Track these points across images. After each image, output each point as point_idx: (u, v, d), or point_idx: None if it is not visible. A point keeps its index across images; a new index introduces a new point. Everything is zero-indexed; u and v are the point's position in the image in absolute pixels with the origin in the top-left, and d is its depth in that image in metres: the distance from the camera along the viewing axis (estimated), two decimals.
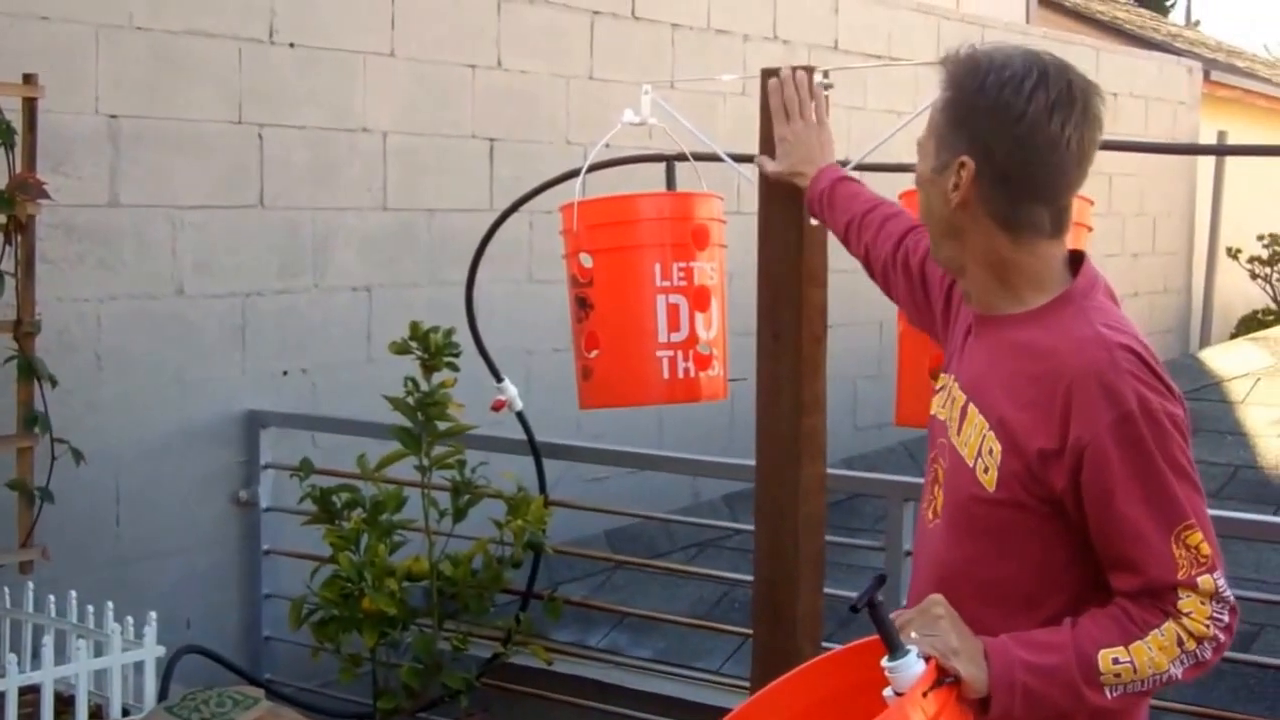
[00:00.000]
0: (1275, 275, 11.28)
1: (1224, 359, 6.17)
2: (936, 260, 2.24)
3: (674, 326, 3.28)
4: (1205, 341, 9.95)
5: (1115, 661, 1.90)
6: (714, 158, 3.44)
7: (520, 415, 4.15)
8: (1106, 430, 1.91)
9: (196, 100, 4.60)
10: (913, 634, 1.91)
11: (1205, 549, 1.92)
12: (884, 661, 1.87)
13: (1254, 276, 11.24)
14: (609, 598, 4.64)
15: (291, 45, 4.83)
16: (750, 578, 3.32)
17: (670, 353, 3.28)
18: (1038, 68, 2.01)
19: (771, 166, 2.92)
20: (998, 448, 2.01)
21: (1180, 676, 1.92)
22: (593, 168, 3.43)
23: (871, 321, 6.06)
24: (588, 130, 5.60)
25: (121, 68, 4.40)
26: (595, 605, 4.51)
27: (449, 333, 3.98)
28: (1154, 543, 1.91)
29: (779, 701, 2.02)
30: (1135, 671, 1.90)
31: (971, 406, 2.08)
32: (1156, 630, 1.91)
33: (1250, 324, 10.39)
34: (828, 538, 3.19)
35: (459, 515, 4.02)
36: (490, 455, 4.15)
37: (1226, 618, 1.92)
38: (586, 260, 3.34)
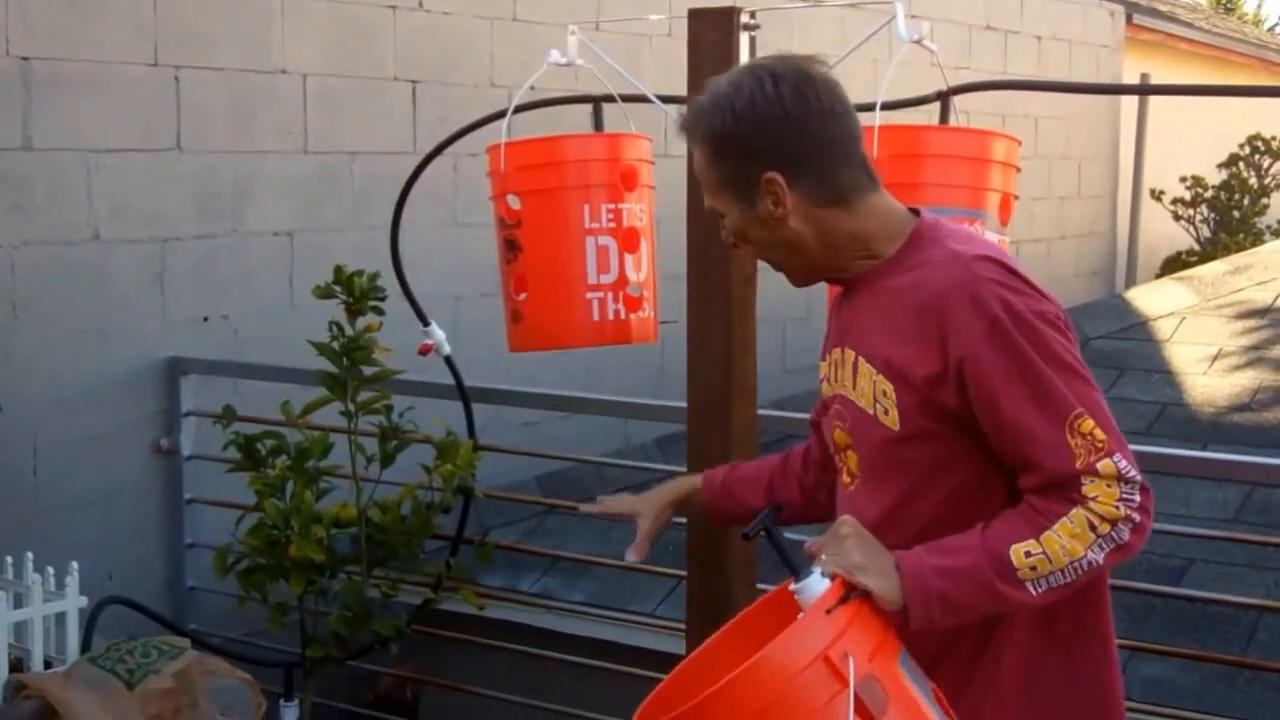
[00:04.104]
0: (1198, 217, 11.40)
1: (1150, 299, 6.23)
2: (797, 285, 2.27)
3: (603, 268, 3.25)
4: (1131, 283, 10.05)
5: (1028, 555, 1.93)
6: (642, 99, 3.40)
7: (448, 359, 4.09)
8: (979, 341, 1.97)
9: (110, 42, 4.49)
10: (822, 556, 1.94)
11: (1100, 435, 1.95)
12: (790, 585, 1.89)
13: (1177, 218, 11.35)
14: (541, 542, 4.63)
15: None
16: (683, 520, 3.31)
17: (600, 294, 3.25)
18: (760, 71, 2.14)
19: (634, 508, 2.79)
20: (889, 388, 2.07)
21: (1102, 562, 1.95)
22: (519, 109, 3.38)
23: None
24: (513, 73, 5.53)
25: (33, 9, 4.27)
26: (527, 549, 4.49)
27: (374, 276, 3.92)
28: (1046, 437, 1.95)
29: (721, 651, 2.01)
30: (1050, 562, 1.93)
31: (860, 359, 2.14)
32: (1064, 518, 1.94)
33: (1174, 265, 10.49)
34: None
35: (386, 461, 3.98)
36: (418, 400, 4.10)
37: (1138, 497, 1.95)
38: (514, 202, 3.30)
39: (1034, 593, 1.94)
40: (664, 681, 2.00)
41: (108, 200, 4.51)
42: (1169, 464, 3.58)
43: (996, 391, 1.97)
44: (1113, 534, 1.94)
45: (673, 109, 3.15)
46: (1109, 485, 1.94)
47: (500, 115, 3.37)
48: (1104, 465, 1.94)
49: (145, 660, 3.45)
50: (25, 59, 4.27)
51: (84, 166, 4.44)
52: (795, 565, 1.91)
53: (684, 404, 3.23)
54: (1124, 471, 1.95)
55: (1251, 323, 5.73)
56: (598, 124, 3.50)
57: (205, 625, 4.60)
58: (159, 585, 4.67)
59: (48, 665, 3.51)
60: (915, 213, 2.20)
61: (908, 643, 1.96)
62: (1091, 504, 1.93)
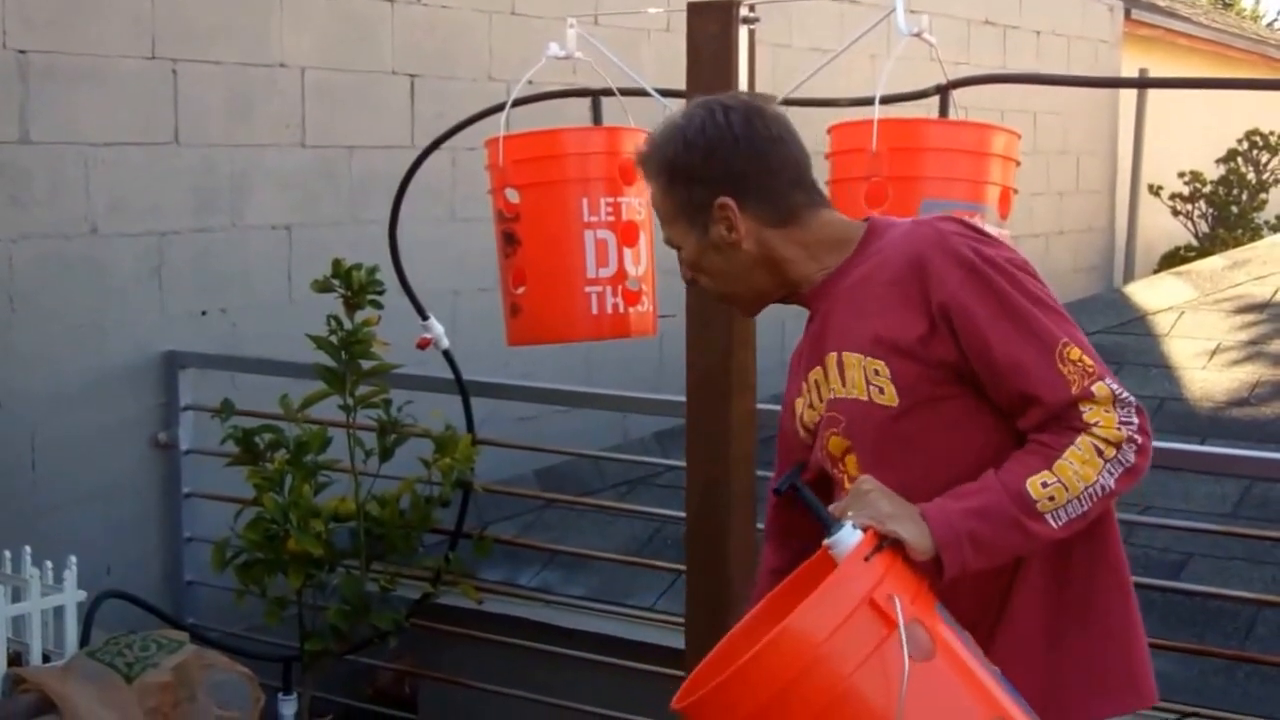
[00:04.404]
0: (1196, 212, 11.40)
1: (1148, 293, 6.21)
2: (748, 315, 2.34)
3: (602, 262, 3.25)
4: (1129, 278, 10.04)
5: (1044, 485, 1.96)
6: (640, 93, 3.39)
7: (447, 353, 4.09)
8: (959, 286, 2.02)
9: (108, 35, 4.48)
10: (849, 514, 1.95)
11: (1088, 360, 2.00)
12: (824, 541, 1.90)
13: (1175, 213, 11.35)
14: (540, 536, 4.62)
15: None
16: (682, 514, 3.31)
17: (599, 288, 3.25)
18: (711, 103, 2.21)
19: None
20: (881, 365, 2.09)
21: (1115, 486, 1.98)
22: (517, 103, 3.38)
23: None
24: (511, 67, 5.52)
25: (30, 1, 4.27)
26: (525, 544, 4.49)
27: (372, 270, 3.91)
28: (1038, 369, 1.99)
29: (756, 630, 1.99)
30: (1066, 489, 1.96)
31: (844, 355, 2.16)
32: (1072, 446, 1.97)
33: (1172, 260, 10.48)
34: (759, 473, 3.18)
35: (385, 455, 3.97)
36: (416, 394, 4.10)
37: (1135, 418, 1.99)
38: (513, 195, 3.30)
39: (1054, 525, 1.96)
40: (698, 669, 1.99)
41: (105, 194, 4.50)
42: (1168, 458, 3.57)
43: (984, 331, 2.01)
44: (1119, 457, 1.97)
45: (671, 103, 3.15)
46: (1107, 410, 1.97)
47: (498, 109, 3.37)
48: (1099, 389, 1.98)
49: (144, 654, 3.45)
50: (23, 52, 4.27)
51: (82, 160, 4.44)
52: (827, 520, 1.91)
53: (683, 398, 3.23)
54: (1118, 394, 1.99)
55: (1250, 317, 5.72)
56: (596, 118, 3.49)
57: (204, 619, 4.60)
58: (157, 579, 4.66)
59: (46, 659, 3.50)
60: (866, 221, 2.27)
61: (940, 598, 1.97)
62: (1094, 429, 1.97)
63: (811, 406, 2.26)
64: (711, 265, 2.23)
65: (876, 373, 2.09)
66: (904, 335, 2.06)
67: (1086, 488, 1.96)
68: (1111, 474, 1.97)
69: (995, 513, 1.96)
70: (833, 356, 2.18)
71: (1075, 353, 2.00)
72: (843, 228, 2.22)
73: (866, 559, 1.85)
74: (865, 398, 2.11)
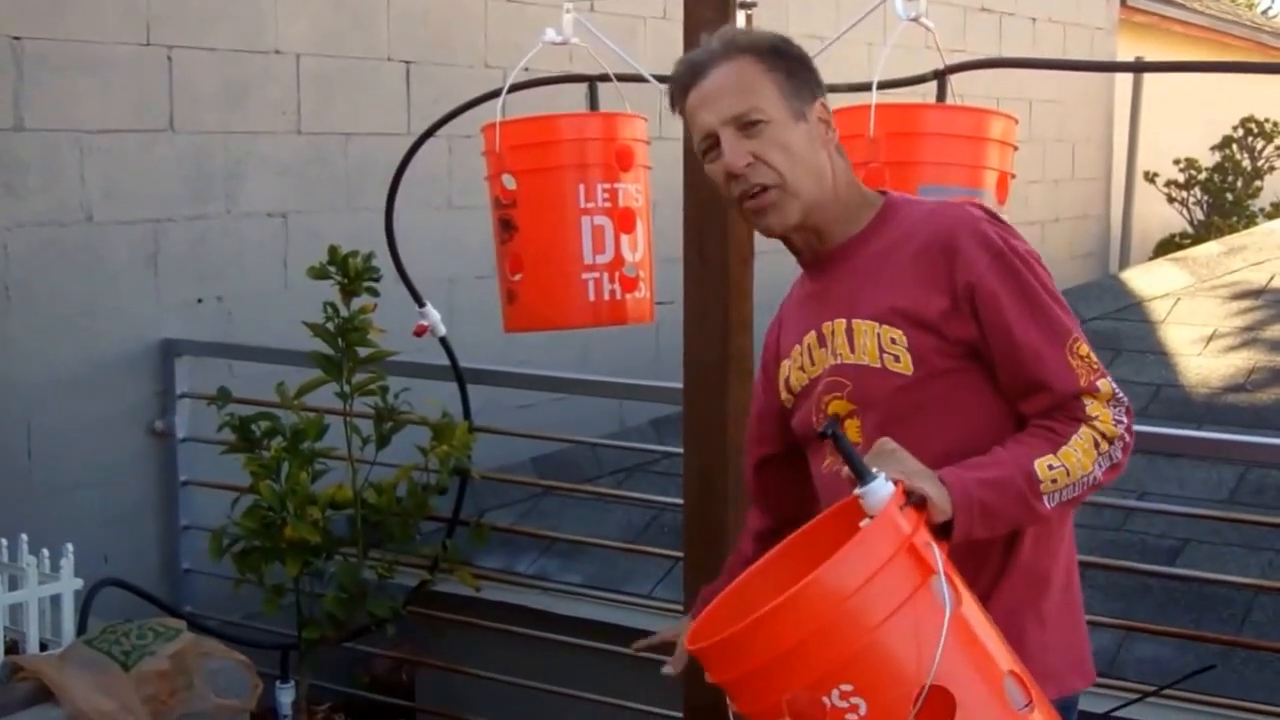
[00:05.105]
0: (1191, 199, 11.40)
1: (1145, 279, 6.22)
2: (784, 226, 2.21)
3: (599, 248, 3.24)
4: (1124, 266, 10.05)
5: (1050, 468, 2.03)
6: (638, 79, 3.38)
7: (443, 340, 4.09)
8: (987, 269, 2.09)
9: (103, 21, 4.47)
10: (875, 468, 1.96)
11: (1094, 357, 2.10)
12: (856, 490, 1.90)
13: (1171, 200, 11.35)
14: (537, 523, 4.62)
15: None
16: (679, 501, 3.30)
17: (596, 275, 3.24)
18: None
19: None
20: (899, 334, 2.13)
21: (1101, 478, 2.07)
22: (514, 88, 3.36)
23: None
24: (507, 53, 5.51)
25: None
26: (523, 531, 4.49)
27: (368, 257, 3.91)
28: (1053, 359, 2.08)
29: (775, 570, 1.98)
30: (1068, 475, 2.04)
31: (855, 322, 2.18)
32: (1076, 435, 2.06)
33: (1168, 247, 10.49)
34: None
35: (382, 442, 3.97)
36: (413, 382, 4.10)
37: (1125, 418, 2.09)
38: (509, 181, 3.29)
39: (1049, 506, 2.04)
40: (706, 613, 1.98)
41: (100, 181, 4.49)
42: (1164, 444, 3.58)
43: (1008, 315, 2.08)
44: (1111, 451, 2.07)
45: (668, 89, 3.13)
46: (1106, 405, 2.07)
47: (494, 95, 3.36)
48: (1103, 385, 2.07)
49: (141, 642, 3.45)
50: (17, 38, 4.25)
51: (77, 147, 4.42)
52: (864, 470, 1.91)
53: (680, 385, 3.22)
54: (1117, 393, 2.09)
55: (1246, 303, 5.73)
56: (593, 103, 3.48)
57: (201, 607, 4.60)
58: (154, 567, 4.66)
59: (43, 648, 3.50)
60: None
61: None
62: (1095, 423, 2.06)
63: (802, 369, 2.28)
64: (798, 147, 2.17)
65: (893, 341, 2.13)
66: (927, 310, 2.11)
67: (1083, 476, 2.04)
68: (1101, 467, 2.06)
69: (1007, 486, 2.02)
70: (840, 323, 2.20)
71: (1084, 348, 2.09)
72: (869, 194, 2.27)
73: (901, 508, 1.87)
74: (878, 364, 2.15)
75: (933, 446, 2.07)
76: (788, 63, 2.19)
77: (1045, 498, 2.03)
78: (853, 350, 2.18)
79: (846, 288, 2.21)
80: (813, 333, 2.25)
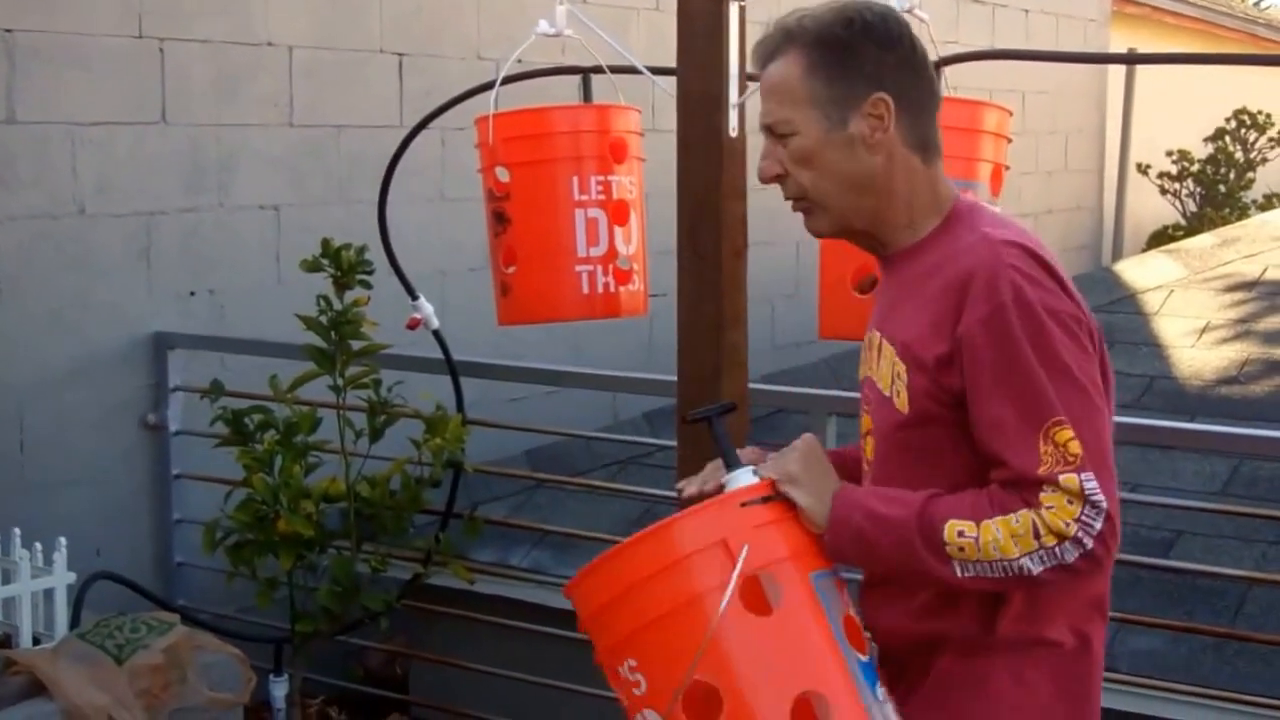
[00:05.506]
0: (1184, 191, 11.41)
1: (1138, 271, 6.22)
2: (824, 230, 2.15)
3: (593, 241, 3.24)
4: (1117, 258, 10.05)
5: (960, 534, 1.89)
6: (631, 71, 3.38)
7: (436, 333, 4.08)
8: (979, 323, 1.92)
9: (94, 13, 4.45)
10: (768, 458, 2.01)
11: (1075, 447, 1.87)
12: (722, 477, 2.00)
13: (1164, 192, 11.36)
14: (530, 517, 4.61)
15: None
16: (673, 494, 3.29)
17: (589, 267, 3.24)
18: (867, 7, 2.10)
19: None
20: (903, 369, 2.02)
21: (1038, 574, 1.87)
22: (506, 81, 3.36)
23: (789, 241, 6.02)
24: (500, 45, 5.50)
25: None
26: (516, 524, 4.48)
27: (361, 249, 3.90)
28: (1016, 436, 1.89)
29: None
30: (979, 549, 1.87)
31: (884, 341, 2.09)
32: (1011, 515, 1.87)
33: (1161, 239, 10.50)
34: None
35: (375, 435, 3.97)
36: (406, 375, 4.09)
37: (1099, 525, 1.85)
38: (503, 174, 3.28)
39: (958, 573, 1.91)
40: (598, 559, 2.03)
41: (93, 174, 4.47)
42: (1157, 436, 3.57)
43: (983, 377, 1.92)
44: (1057, 549, 1.86)
45: (662, 81, 3.13)
46: (1069, 501, 1.86)
47: (488, 87, 3.35)
48: (1067, 479, 1.86)
49: (134, 636, 3.44)
50: (8, 31, 4.24)
51: (69, 140, 4.41)
52: (731, 458, 1.98)
53: (673, 377, 3.21)
54: (1089, 493, 1.86)
55: (1239, 295, 5.74)
56: (586, 95, 3.48)
57: (194, 601, 4.59)
58: (147, 561, 4.65)
59: (36, 641, 3.49)
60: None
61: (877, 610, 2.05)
62: (1044, 512, 1.86)
63: (865, 362, 2.20)
64: (826, 162, 2.07)
65: (899, 375, 2.03)
66: (927, 353, 1.98)
67: (1002, 559, 1.87)
68: (1040, 562, 1.86)
69: (895, 528, 1.93)
70: (877, 336, 2.12)
71: (1065, 435, 1.87)
72: (940, 192, 2.11)
73: (743, 505, 1.92)
74: (887, 394, 2.07)
75: (922, 487, 2.00)
76: (841, 54, 2.06)
77: (954, 563, 1.89)
78: (877, 370, 2.11)
79: (891, 301, 2.11)
80: (871, 333, 2.16)
